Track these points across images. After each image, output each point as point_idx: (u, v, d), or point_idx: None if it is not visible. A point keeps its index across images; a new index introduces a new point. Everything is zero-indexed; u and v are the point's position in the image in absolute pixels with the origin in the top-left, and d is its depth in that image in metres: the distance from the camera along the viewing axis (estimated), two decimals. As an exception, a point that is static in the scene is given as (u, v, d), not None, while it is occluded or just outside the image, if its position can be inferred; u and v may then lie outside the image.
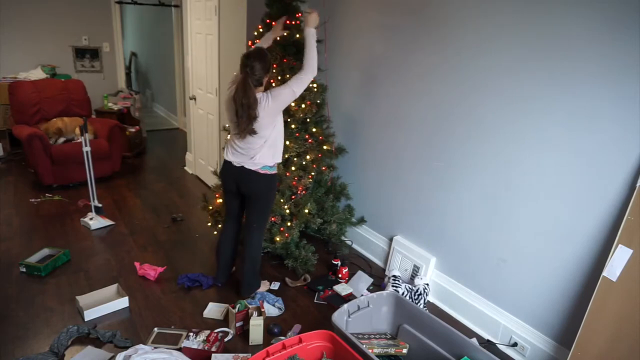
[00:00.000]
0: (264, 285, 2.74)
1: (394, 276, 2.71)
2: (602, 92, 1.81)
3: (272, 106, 2.26)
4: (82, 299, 2.43)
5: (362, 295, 2.65)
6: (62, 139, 4.35)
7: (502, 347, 2.33)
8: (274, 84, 2.86)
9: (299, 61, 2.87)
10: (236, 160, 2.39)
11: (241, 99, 2.18)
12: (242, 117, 2.21)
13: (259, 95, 2.26)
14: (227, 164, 2.44)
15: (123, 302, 2.48)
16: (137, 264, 2.88)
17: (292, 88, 2.28)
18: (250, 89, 2.19)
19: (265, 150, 2.35)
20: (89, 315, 2.35)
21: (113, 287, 2.59)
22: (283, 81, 2.83)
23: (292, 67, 2.84)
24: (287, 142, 2.80)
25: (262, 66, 2.24)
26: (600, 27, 1.78)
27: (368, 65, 3.00)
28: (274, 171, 2.45)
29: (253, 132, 2.25)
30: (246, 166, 2.37)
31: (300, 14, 2.78)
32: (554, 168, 2.02)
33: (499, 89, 2.20)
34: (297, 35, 2.86)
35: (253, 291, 2.64)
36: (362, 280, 2.81)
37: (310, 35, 2.35)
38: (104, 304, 2.42)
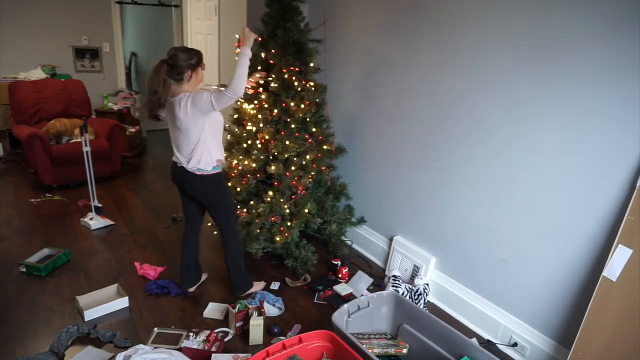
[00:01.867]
0: (258, 285, 2.71)
1: (394, 276, 2.71)
2: (602, 93, 1.81)
3: (192, 109, 2.15)
4: (82, 299, 2.43)
5: (362, 295, 2.65)
6: (65, 138, 4.35)
7: (502, 347, 2.33)
8: (272, 84, 2.86)
9: (298, 60, 2.87)
10: (177, 160, 2.33)
11: (149, 84, 2.14)
12: (149, 101, 2.17)
13: (181, 95, 2.17)
14: (172, 163, 2.39)
15: (123, 302, 2.48)
16: (137, 264, 2.88)
17: (211, 99, 2.12)
18: (158, 74, 2.11)
19: (198, 151, 2.25)
20: (89, 315, 2.35)
21: (113, 287, 2.59)
22: (283, 81, 2.84)
23: (292, 65, 2.84)
24: (287, 142, 2.79)
25: (186, 57, 2.15)
26: (600, 28, 1.78)
27: (368, 65, 3.00)
28: (214, 171, 2.33)
29: (156, 118, 2.21)
30: (185, 166, 2.30)
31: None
32: (554, 168, 2.02)
33: (499, 90, 2.20)
34: (296, 35, 2.86)
35: (244, 291, 2.61)
36: (362, 280, 2.81)
37: (244, 54, 2.18)
38: (104, 304, 2.42)
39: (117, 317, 2.40)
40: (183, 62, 2.16)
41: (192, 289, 2.67)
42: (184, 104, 2.16)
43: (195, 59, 2.21)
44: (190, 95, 2.17)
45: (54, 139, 4.24)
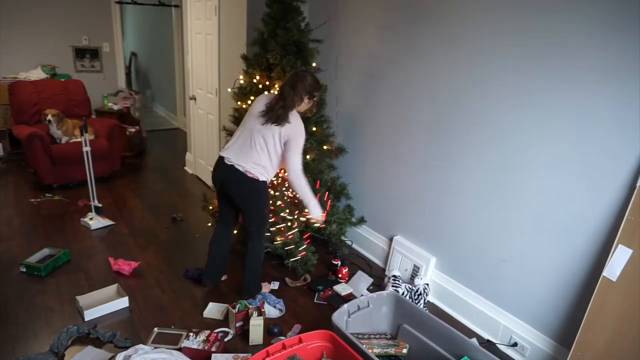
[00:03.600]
0: (265, 287, 2.73)
1: (394, 276, 2.71)
2: (602, 93, 1.81)
3: (285, 131, 2.33)
4: (82, 299, 2.43)
5: (362, 295, 2.65)
6: (65, 138, 4.35)
7: (502, 347, 2.33)
8: (276, 85, 2.85)
9: (299, 60, 2.86)
10: (228, 157, 2.39)
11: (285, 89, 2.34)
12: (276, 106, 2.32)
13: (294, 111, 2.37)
14: (220, 159, 2.45)
15: (123, 302, 2.48)
16: (111, 260, 2.88)
17: (295, 155, 2.35)
18: (298, 86, 2.34)
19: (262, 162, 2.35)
20: (89, 315, 2.35)
21: (113, 287, 2.59)
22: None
23: (293, 65, 2.84)
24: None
25: (311, 84, 2.37)
26: (599, 34, 1.79)
27: (369, 65, 3.00)
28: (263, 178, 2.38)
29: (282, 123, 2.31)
30: (237, 166, 2.34)
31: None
32: (553, 168, 2.02)
33: (499, 90, 2.20)
34: (297, 36, 2.86)
35: (253, 294, 2.61)
36: (362, 280, 2.81)
37: (314, 206, 2.48)
38: (104, 304, 2.41)
39: (117, 317, 2.40)
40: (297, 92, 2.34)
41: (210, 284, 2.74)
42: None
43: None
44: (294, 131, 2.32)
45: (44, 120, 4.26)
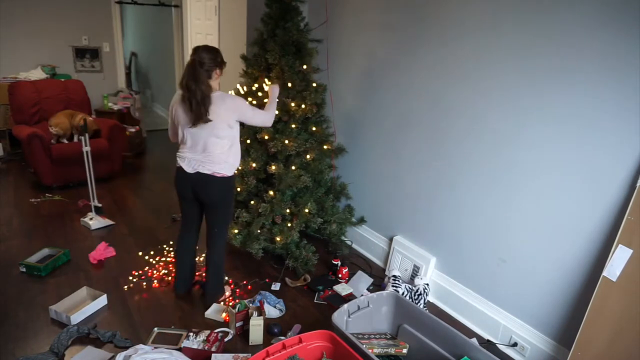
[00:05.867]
0: (227, 291, 2.66)
1: (394, 276, 2.71)
2: (602, 91, 1.81)
3: (230, 112, 2.24)
4: (58, 307, 2.35)
5: (362, 295, 2.65)
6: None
7: (502, 347, 2.33)
8: (268, 82, 2.85)
9: (298, 60, 2.87)
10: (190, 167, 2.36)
11: (189, 83, 2.14)
12: (192, 103, 2.15)
13: (217, 93, 2.22)
14: (181, 171, 2.42)
15: (102, 301, 2.46)
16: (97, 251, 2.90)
17: (255, 115, 2.36)
18: (199, 73, 2.15)
19: (224, 154, 2.31)
20: (75, 319, 2.30)
21: (83, 290, 2.53)
22: (284, 80, 2.83)
23: (292, 65, 2.84)
24: (287, 142, 2.79)
25: (211, 57, 2.20)
26: (599, 25, 1.78)
27: (368, 64, 3.00)
28: (231, 174, 2.38)
29: (208, 120, 2.18)
30: (202, 171, 2.31)
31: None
32: (553, 168, 2.02)
33: (498, 89, 2.20)
34: (296, 35, 2.86)
35: (218, 298, 2.56)
36: (362, 280, 2.81)
37: (275, 92, 2.58)
38: (84, 307, 2.36)
39: (117, 317, 2.40)
40: (211, 60, 2.20)
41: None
42: (221, 102, 2.21)
43: (219, 57, 2.26)
44: (226, 97, 2.24)
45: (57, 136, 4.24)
